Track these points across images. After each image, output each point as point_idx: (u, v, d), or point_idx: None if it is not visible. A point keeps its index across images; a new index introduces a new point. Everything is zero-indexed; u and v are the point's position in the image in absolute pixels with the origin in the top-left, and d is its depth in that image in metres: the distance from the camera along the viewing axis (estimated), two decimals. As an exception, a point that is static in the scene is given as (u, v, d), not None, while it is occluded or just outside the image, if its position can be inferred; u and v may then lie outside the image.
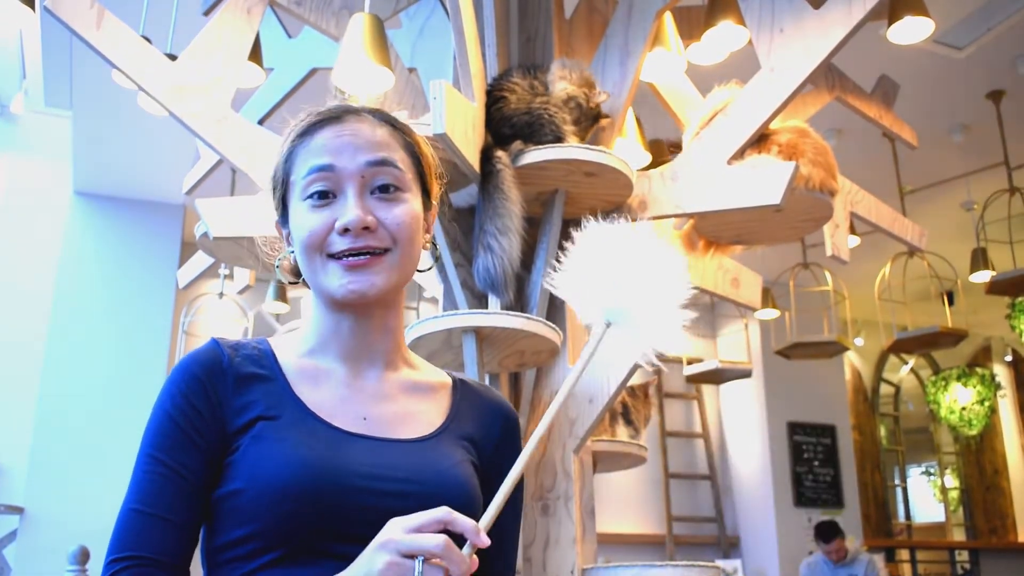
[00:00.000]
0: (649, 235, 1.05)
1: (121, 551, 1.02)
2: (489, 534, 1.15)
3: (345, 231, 1.08)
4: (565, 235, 2.49)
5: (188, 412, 1.07)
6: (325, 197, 1.10)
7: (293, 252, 1.16)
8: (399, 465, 1.07)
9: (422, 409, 1.17)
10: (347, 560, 1.01)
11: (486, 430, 1.20)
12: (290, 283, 1.24)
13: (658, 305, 1.03)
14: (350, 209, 1.08)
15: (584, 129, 2.53)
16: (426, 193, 1.19)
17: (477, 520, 1.11)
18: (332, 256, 1.10)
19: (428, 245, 1.20)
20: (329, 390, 1.13)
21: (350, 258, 1.09)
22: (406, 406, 1.16)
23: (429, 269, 1.25)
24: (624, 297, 1.03)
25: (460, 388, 1.23)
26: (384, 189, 1.11)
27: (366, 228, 1.08)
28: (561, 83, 2.47)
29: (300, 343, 1.17)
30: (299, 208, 1.12)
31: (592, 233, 1.06)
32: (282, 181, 1.16)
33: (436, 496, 1.07)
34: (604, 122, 2.56)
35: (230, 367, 1.10)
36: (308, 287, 1.23)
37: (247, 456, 1.04)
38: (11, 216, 5.88)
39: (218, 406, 1.07)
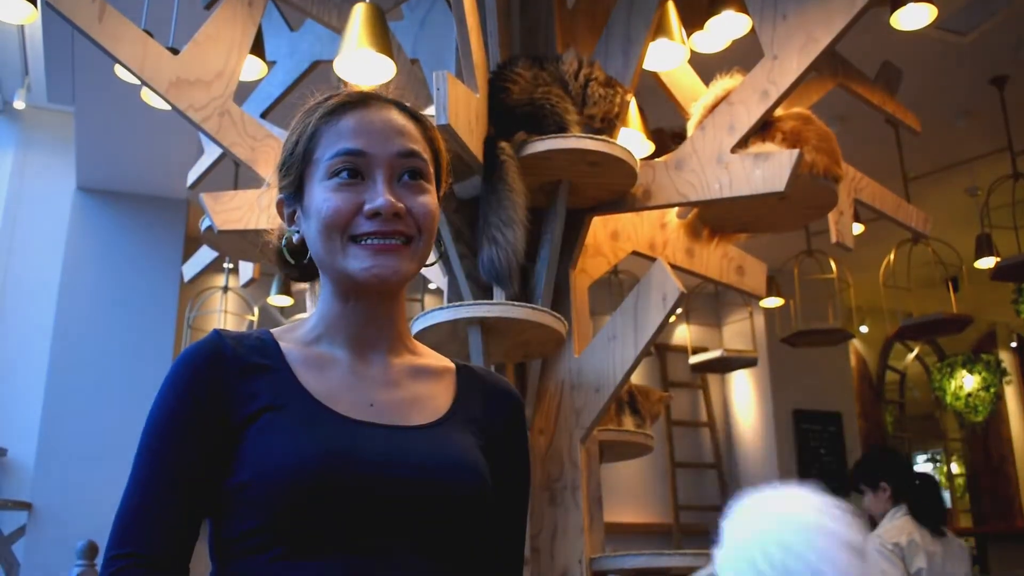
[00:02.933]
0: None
1: (121, 547, 1.01)
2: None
3: (375, 215, 1.08)
4: (569, 225, 2.52)
5: (190, 404, 1.05)
6: (353, 178, 1.09)
7: (298, 232, 1.16)
8: (410, 451, 1.07)
9: (428, 394, 1.16)
10: (358, 549, 1.00)
11: (492, 414, 1.20)
12: (287, 272, 1.23)
13: None
14: (380, 194, 1.08)
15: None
16: (437, 187, 1.19)
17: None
18: (354, 239, 1.09)
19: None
20: (334, 378, 1.12)
21: (377, 241, 1.08)
22: (412, 391, 1.15)
23: (434, 263, 1.25)
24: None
25: (464, 373, 1.22)
26: (412, 176, 1.12)
27: (396, 214, 1.08)
28: (600, 91, 2.47)
29: (305, 331, 1.16)
30: (322, 187, 1.11)
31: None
32: (302, 158, 1.14)
33: (448, 483, 1.06)
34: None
35: (233, 357, 1.09)
36: (306, 279, 1.23)
37: (254, 447, 1.03)
38: (15, 212, 5.89)
39: (221, 397, 1.06)
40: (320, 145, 1.12)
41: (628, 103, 2.64)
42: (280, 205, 1.19)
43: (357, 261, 1.09)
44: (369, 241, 1.08)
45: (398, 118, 1.14)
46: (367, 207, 1.08)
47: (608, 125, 2.56)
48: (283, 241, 1.19)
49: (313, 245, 1.13)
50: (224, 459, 1.05)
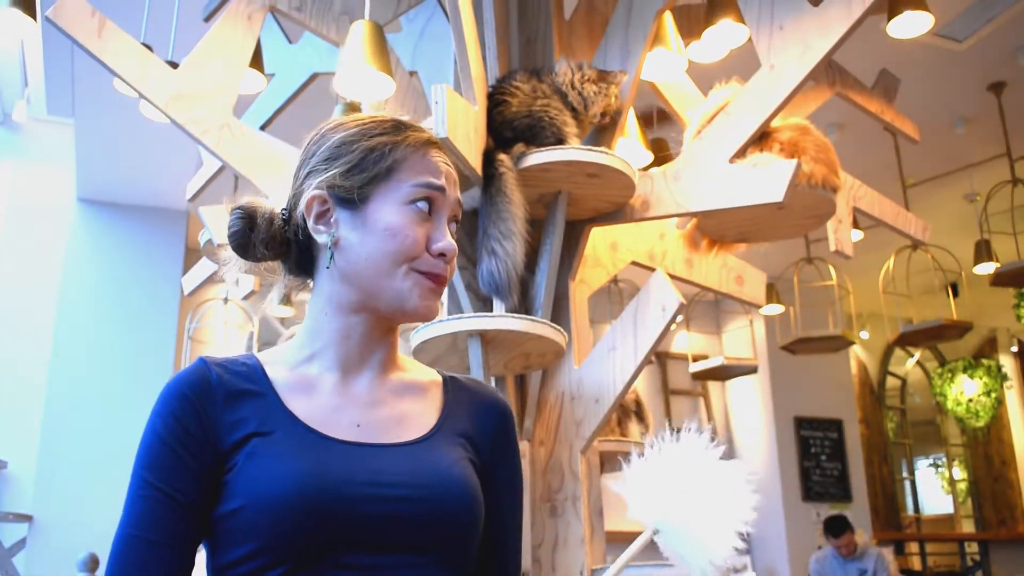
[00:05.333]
0: (714, 456, 1.23)
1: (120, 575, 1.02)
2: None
3: (441, 255, 1.13)
4: (568, 236, 2.52)
5: (179, 433, 1.06)
6: (430, 211, 1.14)
7: (305, 226, 1.16)
8: (397, 469, 1.07)
9: (415, 410, 1.17)
10: (353, 569, 1.01)
11: (481, 426, 1.20)
12: (236, 248, 1.20)
13: (709, 525, 1.19)
14: (447, 237, 1.14)
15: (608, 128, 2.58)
16: None
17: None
18: (417, 272, 1.13)
19: None
20: (321, 400, 1.13)
21: (433, 284, 1.13)
22: (399, 408, 1.16)
23: None
24: (676, 512, 1.20)
25: (451, 385, 1.23)
26: (456, 222, 1.19)
27: (452, 258, 1.16)
28: (594, 88, 2.47)
29: (292, 353, 1.17)
30: (399, 210, 1.12)
31: (665, 447, 1.24)
32: (385, 171, 1.14)
33: (438, 497, 1.07)
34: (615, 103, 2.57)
35: (219, 385, 1.09)
36: (252, 259, 1.22)
37: (243, 473, 1.04)
38: (15, 224, 5.90)
39: (209, 425, 1.07)
40: (406, 167, 1.14)
41: (621, 84, 2.58)
42: (318, 200, 1.15)
43: (414, 292, 1.13)
44: (431, 278, 1.13)
45: (454, 170, 1.21)
46: (434, 246, 1.13)
47: (613, 118, 2.56)
48: (261, 219, 1.18)
49: (356, 258, 1.13)
50: (215, 486, 1.06)
